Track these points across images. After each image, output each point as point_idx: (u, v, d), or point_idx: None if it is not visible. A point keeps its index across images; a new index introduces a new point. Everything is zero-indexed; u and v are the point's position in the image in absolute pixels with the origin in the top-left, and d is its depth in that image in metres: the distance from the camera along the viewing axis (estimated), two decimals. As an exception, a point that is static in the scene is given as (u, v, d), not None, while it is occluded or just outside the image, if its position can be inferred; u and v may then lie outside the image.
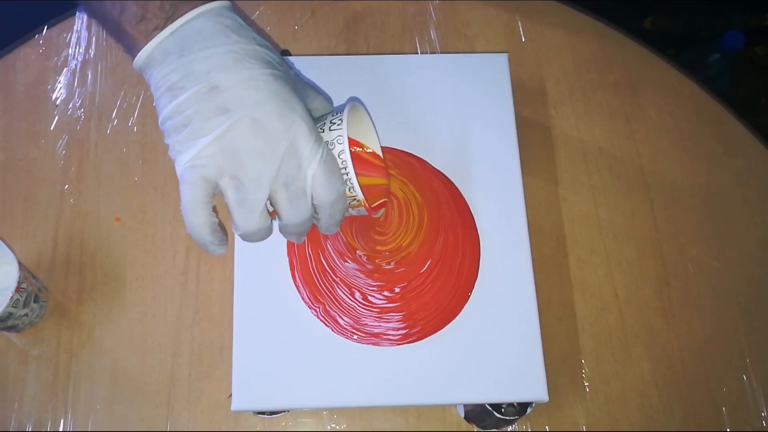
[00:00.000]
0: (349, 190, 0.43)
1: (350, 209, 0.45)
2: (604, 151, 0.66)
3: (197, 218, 0.39)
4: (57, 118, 0.65)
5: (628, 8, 1.29)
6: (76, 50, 0.68)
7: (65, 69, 0.67)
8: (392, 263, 0.52)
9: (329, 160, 0.41)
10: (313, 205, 0.41)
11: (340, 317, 0.51)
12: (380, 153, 0.50)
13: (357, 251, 0.53)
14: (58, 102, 0.66)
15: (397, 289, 0.52)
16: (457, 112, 0.57)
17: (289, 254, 0.52)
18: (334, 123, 0.43)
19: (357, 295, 0.52)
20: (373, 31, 0.70)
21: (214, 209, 0.40)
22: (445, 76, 0.58)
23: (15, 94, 0.66)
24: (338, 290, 0.52)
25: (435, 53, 0.69)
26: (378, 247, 0.53)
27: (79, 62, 0.68)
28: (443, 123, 0.57)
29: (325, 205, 0.41)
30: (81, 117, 0.66)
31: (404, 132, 0.56)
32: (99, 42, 0.68)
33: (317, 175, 0.40)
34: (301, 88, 0.44)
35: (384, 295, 0.51)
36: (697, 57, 1.17)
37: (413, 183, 0.55)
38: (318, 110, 0.47)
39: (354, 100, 0.46)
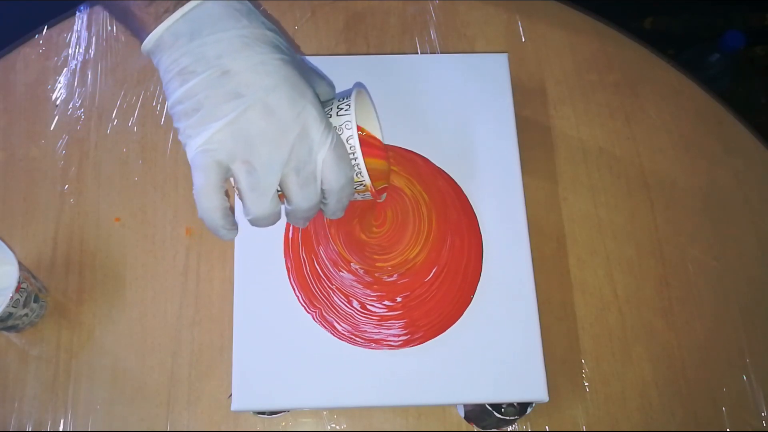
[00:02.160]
0: (357, 175, 0.44)
1: (356, 194, 0.46)
2: (604, 151, 0.66)
3: (210, 202, 0.39)
4: (57, 118, 0.65)
5: (628, 8, 1.29)
6: (76, 50, 0.68)
7: (65, 69, 0.67)
8: (395, 275, 0.52)
9: (339, 145, 0.42)
10: (321, 190, 0.42)
11: (338, 323, 0.50)
12: (382, 138, 0.51)
13: (352, 264, 0.52)
14: (58, 102, 0.66)
15: (398, 299, 0.51)
16: (457, 112, 0.57)
17: (285, 255, 0.52)
18: (342, 108, 0.44)
19: (355, 303, 0.51)
20: (373, 31, 0.70)
21: (226, 193, 0.40)
22: (445, 76, 0.58)
23: (15, 94, 0.66)
24: (334, 297, 0.51)
25: (435, 53, 0.69)
26: (378, 264, 0.52)
27: (79, 62, 0.68)
28: (443, 123, 0.57)
29: (334, 190, 0.42)
30: (81, 117, 0.66)
31: (404, 132, 0.56)
32: (99, 42, 0.69)
33: (327, 160, 0.41)
34: (307, 73, 0.44)
35: (384, 305, 0.51)
36: (697, 57, 1.17)
37: (419, 181, 0.54)
38: (322, 95, 0.47)
39: (358, 86, 0.47)
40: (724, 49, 1.12)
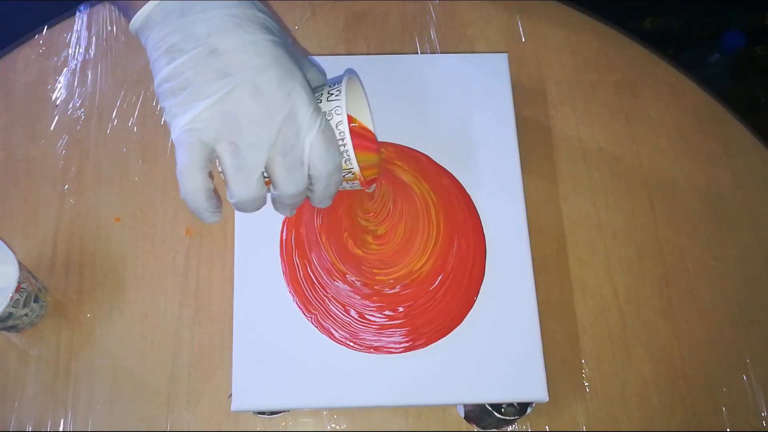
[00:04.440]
0: (345, 163, 0.43)
1: (344, 182, 0.45)
2: (604, 151, 0.66)
3: (194, 183, 0.38)
4: (57, 118, 0.65)
5: (628, 8, 1.29)
6: (76, 50, 0.68)
7: (65, 69, 0.67)
8: (397, 287, 0.50)
9: (327, 130, 0.41)
10: (308, 176, 0.41)
11: (335, 330, 0.49)
12: (373, 128, 0.49)
13: (347, 276, 0.50)
14: (58, 102, 0.66)
15: (400, 309, 0.50)
16: (456, 113, 0.57)
17: (280, 257, 0.51)
18: (332, 94, 0.43)
19: (352, 312, 0.50)
20: (373, 31, 0.70)
21: (210, 175, 0.39)
22: (445, 76, 0.58)
23: (15, 94, 0.66)
24: (330, 306, 0.50)
25: (435, 53, 0.69)
26: (378, 277, 0.50)
27: (79, 62, 0.68)
28: (443, 123, 0.57)
29: (322, 176, 0.41)
30: (81, 117, 0.66)
31: (403, 132, 0.56)
32: (99, 42, 0.68)
33: (315, 144, 0.40)
34: (297, 57, 0.43)
35: (385, 314, 0.50)
36: (697, 57, 1.17)
37: (424, 179, 0.53)
38: (313, 81, 0.46)
39: (350, 72, 0.46)
40: (724, 49, 1.12)
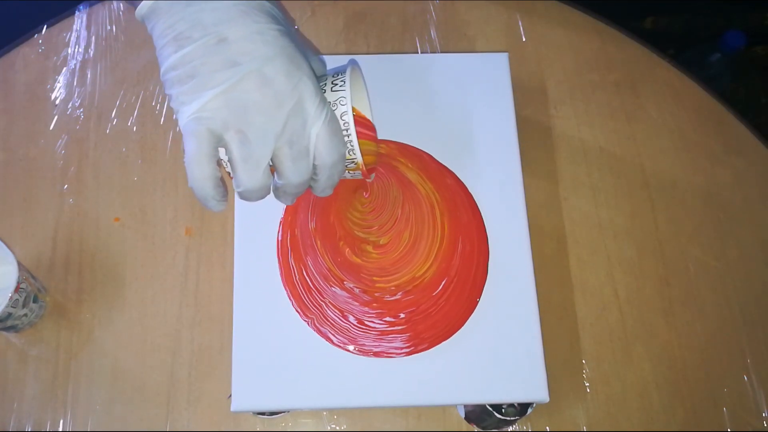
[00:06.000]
0: (349, 153, 0.43)
1: (346, 172, 0.45)
2: (604, 150, 0.66)
3: (202, 171, 0.38)
4: (56, 117, 0.65)
5: (628, 8, 1.29)
6: (76, 50, 0.68)
7: (65, 68, 0.67)
8: (399, 294, 0.49)
9: (333, 120, 0.41)
10: (313, 165, 0.41)
11: (333, 335, 0.49)
12: (371, 116, 0.49)
13: (345, 282, 0.49)
14: (57, 102, 0.66)
15: (402, 315, 0.49)
16: (457, 112, 0.57)
17: (277, 258, 0.51)
18: (336, 84, 0.43)
19: (351, 318, 0.49)
20: (373, 31, 0.70)
21: (218, 163, 0.39)
22: (446, 76, 0.58)
23: (15, 94, 0.66)
24: (328, 311, 0.49)
25: (435, 53, 0.69)
26: (379, 285, 0.50)
27: (78, 62, 0.68)
28: (443, 123, 0.56)
29: (326, 166, 0.41)
30: (80, 117, 0.65)
31: (403, 132, 0.56)
32: (98, 41, 0.68)
33: (321, 135, 0.40)
34: (301, 47, 0.43)
35: (385, 321, 0.49)
36: (697, 57, 1.17)
37: (428, 178, 0.53)
38: (315, 71, 0.46)
39: (352, 63, 0.46)
40: (725, 49, 1.12)
